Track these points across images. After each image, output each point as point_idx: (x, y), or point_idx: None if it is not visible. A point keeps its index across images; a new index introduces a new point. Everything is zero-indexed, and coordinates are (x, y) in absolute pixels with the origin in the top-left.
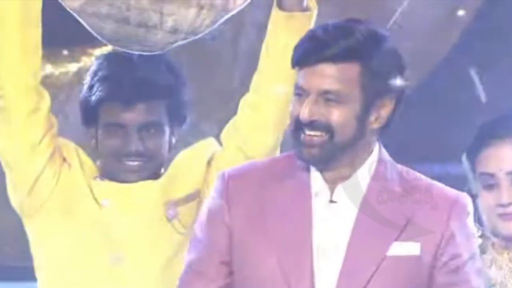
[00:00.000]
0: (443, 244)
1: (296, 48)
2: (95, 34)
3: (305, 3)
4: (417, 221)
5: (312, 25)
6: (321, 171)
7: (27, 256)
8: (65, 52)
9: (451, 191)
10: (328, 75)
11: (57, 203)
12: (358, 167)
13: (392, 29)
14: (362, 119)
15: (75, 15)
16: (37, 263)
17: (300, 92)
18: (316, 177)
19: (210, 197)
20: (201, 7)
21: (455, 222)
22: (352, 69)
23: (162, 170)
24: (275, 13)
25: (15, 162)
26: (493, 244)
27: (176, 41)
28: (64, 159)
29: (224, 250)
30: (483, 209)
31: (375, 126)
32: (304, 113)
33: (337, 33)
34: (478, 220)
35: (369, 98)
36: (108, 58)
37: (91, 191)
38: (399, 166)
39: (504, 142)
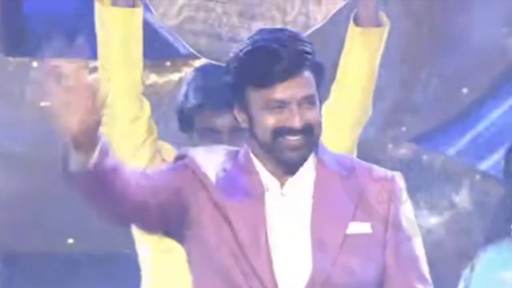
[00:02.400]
0: (390, 222)
1: (269, 65)
2: (190, 49)
3: (379, 19)
4: (364, 198)
5: (384, 40)
6: (273, 169)
7: None
8: (168, 63)
9: (387, 171)
10: (306, 82)
11: None
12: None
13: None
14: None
15: (173, 32)
16: (140, 254)
17: (280, 105)
18: (264, 173)
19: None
20: (285, 23)
21: (397, 198)
22: (309, 73)
23: None
24: (351, 28)
25: None
26: None
27: None
28: (164, 161)
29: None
30: None
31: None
32: (298, 121)
33: (305, 42)
34: None
35: (319, 94)
36: (202, 70)
37: None
38: (330, 150)
39: None
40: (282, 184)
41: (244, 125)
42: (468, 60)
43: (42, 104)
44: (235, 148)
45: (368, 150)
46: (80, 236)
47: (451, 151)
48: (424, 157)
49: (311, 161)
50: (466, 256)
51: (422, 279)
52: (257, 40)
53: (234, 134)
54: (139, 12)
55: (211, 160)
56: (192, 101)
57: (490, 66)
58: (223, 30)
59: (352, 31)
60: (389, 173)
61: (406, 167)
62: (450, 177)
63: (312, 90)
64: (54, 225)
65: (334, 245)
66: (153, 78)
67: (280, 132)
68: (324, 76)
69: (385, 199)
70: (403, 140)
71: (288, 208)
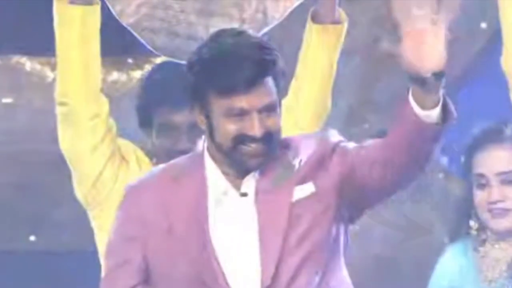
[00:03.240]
0: (332, 170)
1: (232, 75)
2: (148, 47)
3: (336, 16)
4: (304, 165)
5: (343, 37)
6: (232, 172)
7: None
8: (130, 60)
9: (320, 132)
10: (268, 90)
11: (117, 197)
12: None
13: None
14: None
15: (130, 29)
16: (101, 251)
17: (240, 113)
18: (218, 179)
19: (120, 212)
20: (243, 21)
21: (327, 142)
22: (271, 79)
23: None
24: (309, 25)
25: (78, 162)
26: (488, 237)
27: None
28: (123, 158)
29: (136, 269)
30: (477, 206)
31: None
32: (257, 130)
33: (269, 49)
34: (475, 215)
35: (280, 96)
36: (160, 66)
37: None
38: None
39: (495, 146)
40: (239, 185)
41: (203, 126)
42: None
43: (4, 100)
44: (179, 160)
45: None
46: (41, 234)
47: None
48: None
49: None
50: (428, 255)
51: None
52: (221, 46)
53: (192, 130)
54: (97, 9)
55: (152, 196)
56: (151, 97)
57: (451, 63)
58: (180, 28)
59: (310, 28)
60: (322, 133)
61: None
62: None
63: (273, 97)
64: (16, 222)
65: (281, 219)
66: (114, 75)
67: (240, 140)
68: (285, 79)
69: (325, 153)
70: (366, 137)
71: (245, 206)
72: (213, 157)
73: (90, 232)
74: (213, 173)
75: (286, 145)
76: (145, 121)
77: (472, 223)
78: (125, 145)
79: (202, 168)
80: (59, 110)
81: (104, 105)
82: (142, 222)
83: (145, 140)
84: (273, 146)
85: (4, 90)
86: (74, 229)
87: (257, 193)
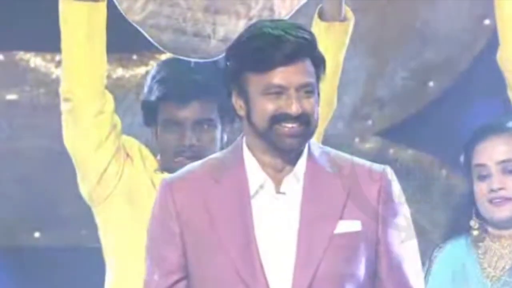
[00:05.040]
0: (381, 217)
1: (271, 49)
2: (155, 44)
3: (343, 14)
4: (353, 196)
5: (349, 34)
6: (270, 161)
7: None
8: (135, 57)
9: (375, 165)
10: (306, 69)
11: (122, 194)
12: (300, 153)
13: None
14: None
15: (137, 26)
16: (105, 247)
17: (278, 90)
18: (256, 172)
19: (157, 209)
20: (250, 18)
21: (386, 191)
22: (310, 63)
23: None
24: (316, 23)
25: (83, 158)
26: (488, 235)
27: None
28: (128, 155)
29: (176, 265)
30: (477, 199)
31: None
32: (295, 108)
33: (306, 31)
34: (476, 213)
35: (318, 86)
36: (166, 63)
37: (152, 182)
38: (320, 145)
39: (496, 136)
40: (279, 182)
41: (241, 113)
42: (434, 53)
43: (8, 97)
44: (218, 155)
45: (334, 144)
46: (46, 230)
47: (418, 145)
48: (391, 151)
49: (303, 156)
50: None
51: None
52: (259, 27)
53: (197, 127)
54: (103, 6)
55: (192, 192)
56: (156, 93)
57: (455, 60)
58: (187, 25)
59: (317, 26)
60: (379, 167)
61: (372, 161)
62: (416, 171)
63: (311, 78)
64: (20, 219)
65: (320, 247)
66: (119, 71)
67: (277, 118)
68: (325, 70)
69: (375, 194)
70: (369, 134)
71: (283, 206)
72: (251, 148)
73: (94, 229)
74: (252, 166)
75: (342, 162)
76: (150, 118)
77: (472, 222)
78: (130, 141)
79: (242, 162)
80: (63, 106)
81: (109, 101)
82: (180, 219)
83: (150, 136)
84: (309, 130)
85: (8, 87)
86: (78, 226)
87: (303, 202)
